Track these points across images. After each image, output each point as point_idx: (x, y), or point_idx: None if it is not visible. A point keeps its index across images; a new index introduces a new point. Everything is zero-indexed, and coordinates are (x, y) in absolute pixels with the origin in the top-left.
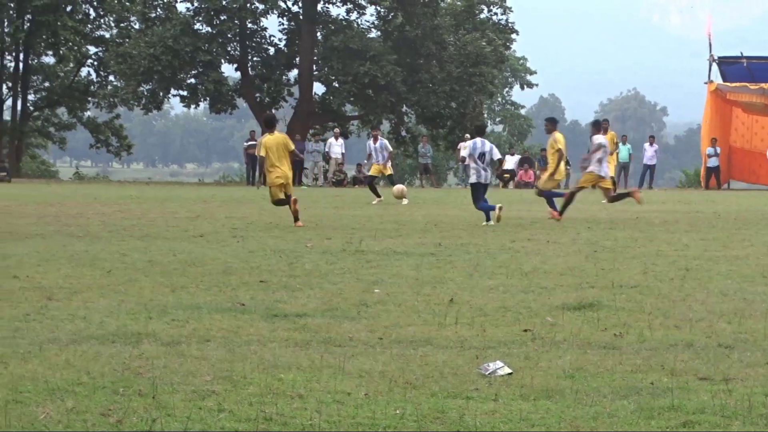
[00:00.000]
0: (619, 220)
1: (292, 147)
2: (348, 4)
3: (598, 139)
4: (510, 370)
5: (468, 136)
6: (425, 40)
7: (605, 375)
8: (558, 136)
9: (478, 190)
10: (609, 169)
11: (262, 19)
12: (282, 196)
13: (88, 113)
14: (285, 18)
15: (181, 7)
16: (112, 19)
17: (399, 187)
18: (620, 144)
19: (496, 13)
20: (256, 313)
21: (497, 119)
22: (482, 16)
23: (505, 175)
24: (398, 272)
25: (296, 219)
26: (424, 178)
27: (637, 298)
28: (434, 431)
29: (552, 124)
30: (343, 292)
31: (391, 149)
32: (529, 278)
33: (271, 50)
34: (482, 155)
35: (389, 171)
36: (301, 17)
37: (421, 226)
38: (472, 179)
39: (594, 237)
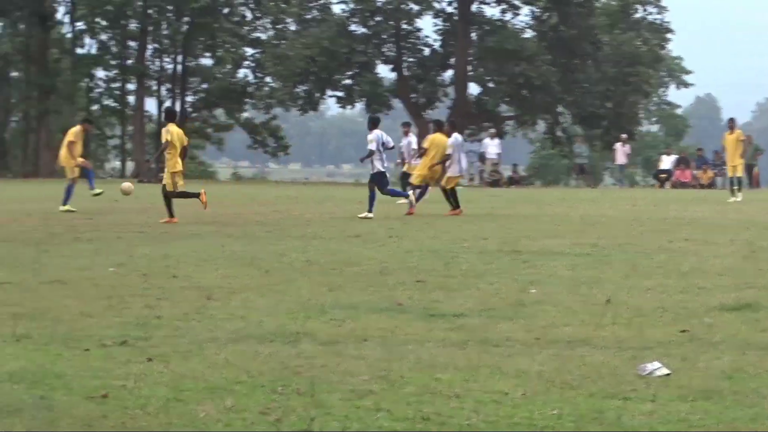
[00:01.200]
0: None
1: (186, 142)
2: (503, 4)
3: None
4: (668, 371)
5: (625, 136)
6: (580, 40)
7: (765, 376)
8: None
9: (385, 177)
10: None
11: (417, 19)
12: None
13: (245, 114)
14: (440, 19)
15: (337, 8)
16: (268, 20)
17: (126, 184)
18: None
19: (651, 13)
20: (414, 312)
21: (653, 119)
22: (637, 15)
23: (662, 175)
24: (555, 272)
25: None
26: (579, 179)
27: None
28: None
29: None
30: (499, 292)
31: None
32: (687, 279)
33: (426, 51)
34: (384, 144)
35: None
36: (455, 18)
37: (577, 227)
38: (378, 167)
39: (752, 237)
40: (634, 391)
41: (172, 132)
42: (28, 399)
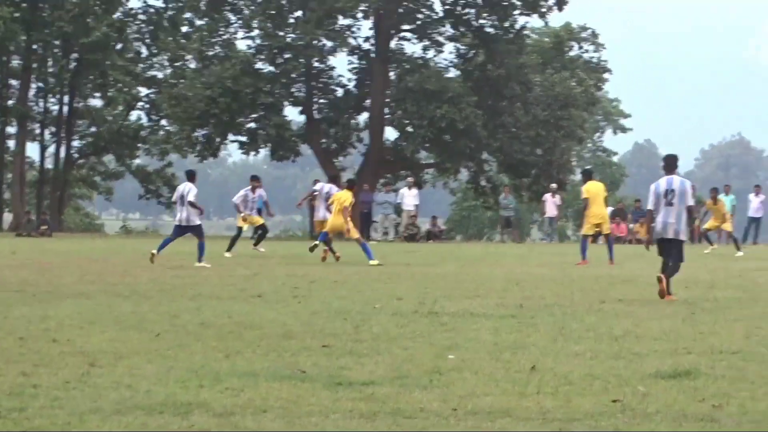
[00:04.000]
0: (720, 279)
1: None
2: (424, 40)
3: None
4: None
5: (555, 186)
6: (509, 80)
7: None
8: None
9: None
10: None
11: (330, 57)
12: None
13: (137, 161)
14: (355, 56)
15: (242, 44)
16: (165, 57)
17: None
18: (722, 195)
19: (587, 51)
20: (318, 381)
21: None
22: (572, 53)
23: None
24: (475, 336)
25: None
26: (505, 233)
27: (739, 365)
28: None
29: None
30: (414, 358)
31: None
32: (620, 343)
33: (340, 91)
34: (182, 197)
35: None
36: (372, 55)
37: (501, 285)
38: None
39: (692, 297)
40: None
41: None
42: None
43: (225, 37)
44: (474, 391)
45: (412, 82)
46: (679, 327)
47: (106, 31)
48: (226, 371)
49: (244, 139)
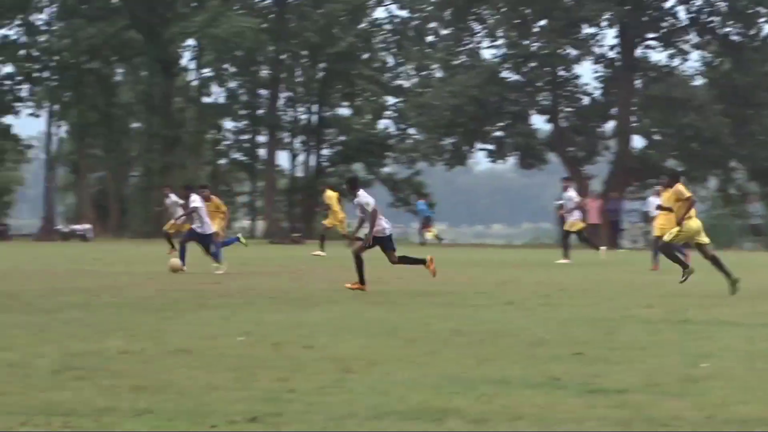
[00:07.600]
0: None
1: None
2: (670, 48)
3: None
4: None
5: None
6: (756, 88)
7: None
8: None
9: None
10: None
11: (575, 66)
12: None
13: (386, 169)
14: (600, 65)
15: (487, 53)
16: (411, 67)
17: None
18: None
19: None
20: (571, 388)
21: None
22: None
23: None
24: (728, 345)
25: None
26: (755, 241)
27: None
28: None
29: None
30: (665, 366)
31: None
32: None
33: (585, 100)
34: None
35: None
36: (618, 64)
37: (753, 294)
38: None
39: None
40: None
41: None
42: None
43: (470, 46)
44: (728, 399)
45: (658, 91)
46: None
47: (352, 41)
48: (478, 378)
49: (491, 147)
